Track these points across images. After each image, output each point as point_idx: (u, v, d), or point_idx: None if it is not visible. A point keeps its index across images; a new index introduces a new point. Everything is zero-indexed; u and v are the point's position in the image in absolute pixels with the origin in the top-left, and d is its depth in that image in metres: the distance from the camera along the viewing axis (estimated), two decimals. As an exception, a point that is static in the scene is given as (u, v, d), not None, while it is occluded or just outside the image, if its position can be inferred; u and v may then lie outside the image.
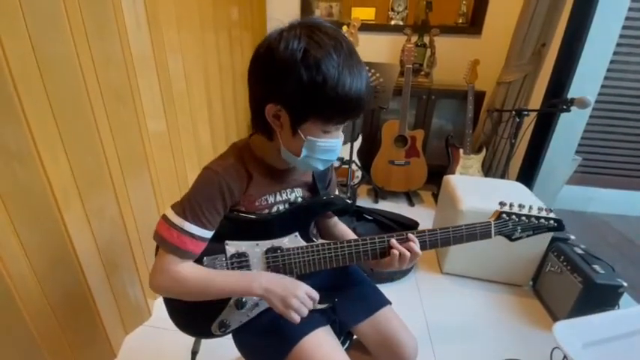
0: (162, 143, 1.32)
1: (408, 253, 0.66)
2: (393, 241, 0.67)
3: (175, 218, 0.61)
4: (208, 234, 0.63)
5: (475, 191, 1.58)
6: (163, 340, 1.22)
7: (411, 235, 0.68)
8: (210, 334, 0.71)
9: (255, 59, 0.58)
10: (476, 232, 0.72)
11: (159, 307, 1.36)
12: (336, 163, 2.20)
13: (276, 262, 0.68)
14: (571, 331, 0.74)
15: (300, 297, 0.61)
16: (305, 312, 0.62)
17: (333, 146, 0.61)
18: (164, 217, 0.62)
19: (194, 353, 0.87)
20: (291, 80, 0.53)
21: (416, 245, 0.67)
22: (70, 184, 0.93)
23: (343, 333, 0.77)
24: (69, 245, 0.93)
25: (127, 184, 1.14)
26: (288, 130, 0.59)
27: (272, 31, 0.56)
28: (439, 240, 0.70)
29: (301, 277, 0.70)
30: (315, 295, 0.64)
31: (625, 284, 1.21)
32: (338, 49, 0.53)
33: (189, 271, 0.62)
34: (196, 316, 0.71)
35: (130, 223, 1.17)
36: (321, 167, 0.64)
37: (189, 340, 0.89)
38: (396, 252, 0.66)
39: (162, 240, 0.61)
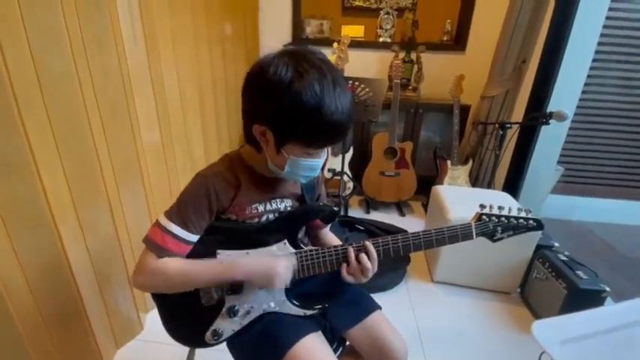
0: (156, 157, 1.34)
1: (355, 267, 0.70)
2: (350, 251, 0.70)
3: (163, 220, 0.65)
4: (191, 237, 0.65)
5: (463, 201, 1.63)
6: (155, 354, 1.21)
7: (367, 244, 0.70)
8: (203, 343, 0.72)
9: (247, 81, 0.63)
10: (457, 234, 0.74)
11: (151, 320, 1.35)
12: (328, 175, 2.24)
13: None
14: (549, 329, 0.77)
15: (281, 273, 0.66)
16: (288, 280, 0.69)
17: (315, 165, 0.66)
18: (155, 221, 0.66)
19: (188, 363, 0.87)
20: (276, 106, 0.58)
21: (366, 259, 0.69)
22: (66, 196, 0.94)
23: (336, 339, 0.78)
24: (63, 257, 0.93)
25: (122, 198, 1.15)
26: (273, 148, 0.64)
27: (265, 57, 0.61)
28: (422, 242, 0.73)
29: (292, 284, 0.72)
30: (292, 260, 0.69)
31: (608, 289, 1.26)
32: (321, 81, 0.57)
33: (168, 263, 0.64)
34: (190, 325, 0.73)
35: (123, 236, 1.18)
36: (303, 181, 0.71)
37: (180, 354, 0.88)
38: (343, 268, 0.71)
39: (147, 239, 0.65)
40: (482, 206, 0.78)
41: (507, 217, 0.77)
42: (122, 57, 1.09)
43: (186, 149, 1.56)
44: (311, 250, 0.71)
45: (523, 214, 0.77)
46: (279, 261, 0.67)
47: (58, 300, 0.94)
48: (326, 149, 0.67)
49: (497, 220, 0.76)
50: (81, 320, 1.02)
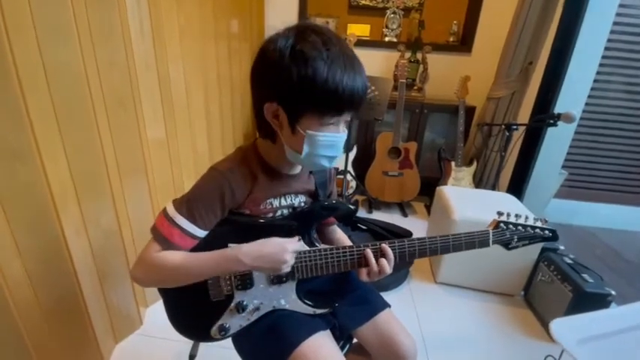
0: (160, 151, 1.32)
1: (375, 269, 0.67)
2: (368, 253, 0.68)
3: (171, 211, 0.62)
4: (199, 232, 0.63)
5: (468, 202, 1.62)
6: (154, 349, 1.20)
7: (384, 247, 0.68)
8: (209, 338, 0.70)
9: (254, 64, 0.61)
10: (474, 241, 0.73)
11: (151, 315, 1.33)
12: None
13: None
14: (567, 327, 0.77)
15: (289, 262, 0.62)
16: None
17: (334, 141, 0.61)
18: (163, 210, 0.63)
19: (192, 357, 0.85)
20: (283, 77, 0.55)
21: (384, 261, 0.68)
22: (69, 187, 0.93)
23: (344, 336, 0.77)
24: (64, 249, 0.92)
25: (125, 191, 1.14)
26: (287, 129, 0.60)
27: (268, 35, 0.59)
28: (439, 247, 0.71)
29: (302, 281, 0.71)
30: (301, 244, 0.65)
31: (613, 292, 1.25)
32: (327, 44, 0.55)
33: (168, 257, 0.61)
34: (196, 319, 0.71)
35: (125, 229, 1.16)
36: (326, 164, 0.64)
37: (179, 349, 0.87)
38: (363, 270, 0.69)
39: (154, 229, 0.62)
40: (499, 213, 0.76)
41: (524, 226, 0.75)
42: (129, 49, 1.07)
43: (190, 144, 1.55)
44: (326, 250, 0.69)
45: (539, 224, 0.77)
46: (285, 244, 0.63)
47: (58, 292, 0.93)
48: (343, 123, 0.63)
49: (514, 228, 0.75)
50: (80, 313, 1.00)
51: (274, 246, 0.62)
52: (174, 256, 0.62)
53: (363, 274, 0.69)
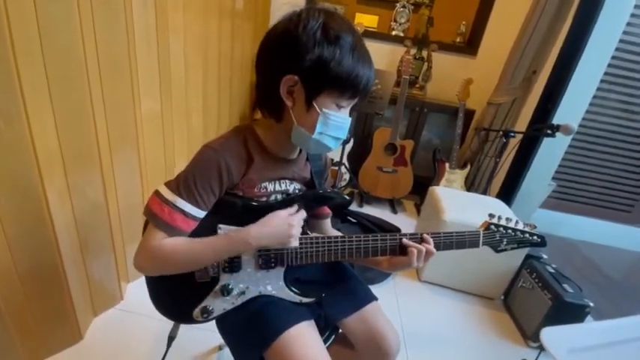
0: (154, 126, 1.28)
1: (423, 249, 0.69)
2: (406, 240, 0.70)
3: (169, 194, 0.59)
4: (201, 213, 0.61)
5: (459, 204, 1.63)
6: (133, 325, 1.19)
7: (426, 236, 0.71)
8: (191, 320, 0.69)
9: (273, 36, 0.60)
10: (465, 240, 0.73)
11: (132, 291, 1.31)
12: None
13: (267, 251, 0.67)
14: (557, 336, 0.78)
15: (295, 235, 0.64)
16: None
17: (345, 123, 0.63)
18: (157, 193, 0.61)
19: (171, 339, 0.84)
20: (310, 51, 0.56)
21: (431, 245, 0.70)
22: (56, 153, 0.89)
23: (330, 327, 0.77)
24: (47, 215, 0.88)
25: (114, 163, 1.11)
26: (302, 105, 0.60)
27: (291, 13, 0.60)
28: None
29: (290, 269, 0.70)
30: (303, 214, 0.67)
31: (591, 304, 1.28)
32: (352, 31, 0.59)
33: (173, 243, 0.59)
34: (178, 299, 0.69)
35: (112, 202, 1.13)
36: (333, 145, 0.65)
37: (159, 327, 0.85)
38: (414, 250, 0.68)
39: (153, 215, 0.59)
40: (491, 216, 0.77)
41: (514, 230, 0.76)
42: (129, 17, 1.02)
43: (184, 121, 1.51)
44: (323, 238, 0.69)
45: (528, 229, 0.77)
46: (290, 224, 0.64)
47: (38, 259, 0.90)
48: (349, 108, 0.65)
49: (504, 231, 0.76)
50: (59, 282, 0.98)
51: (278, 223, 0.63)
52: (179, 243, 0.60)
53: (413, 259, 0.69)
